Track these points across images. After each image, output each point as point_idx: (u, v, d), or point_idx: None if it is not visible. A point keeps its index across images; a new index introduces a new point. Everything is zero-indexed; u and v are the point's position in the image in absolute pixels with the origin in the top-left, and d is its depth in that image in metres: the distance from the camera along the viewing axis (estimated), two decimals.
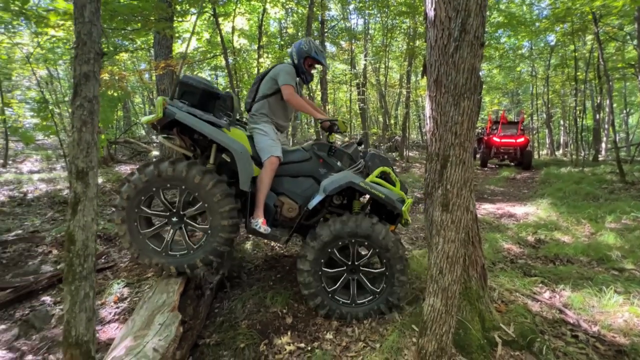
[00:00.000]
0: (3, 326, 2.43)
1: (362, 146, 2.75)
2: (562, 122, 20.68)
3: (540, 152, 20.31)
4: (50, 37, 6.96)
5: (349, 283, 2.34)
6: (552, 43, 14.72)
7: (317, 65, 2.71)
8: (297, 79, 2.65)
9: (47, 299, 2.72)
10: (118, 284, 2.85)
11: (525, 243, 4.04)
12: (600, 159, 13.47)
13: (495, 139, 11.77)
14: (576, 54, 11.90)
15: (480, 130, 13.79)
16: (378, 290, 2.30)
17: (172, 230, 2.34)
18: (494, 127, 12.91)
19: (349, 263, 2.32)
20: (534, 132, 20.57)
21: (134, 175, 2.26)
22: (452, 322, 1.33)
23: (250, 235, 2.76)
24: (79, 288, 0.86)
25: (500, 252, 3.69)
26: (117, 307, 2.64)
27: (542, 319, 2.30)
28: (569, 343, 2.07)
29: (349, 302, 2.32)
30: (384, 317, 2.31)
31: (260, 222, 2.34)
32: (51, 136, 7.46)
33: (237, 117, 2.76)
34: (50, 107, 5.62)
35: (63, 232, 3.78)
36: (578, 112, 12.86)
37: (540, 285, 2.84)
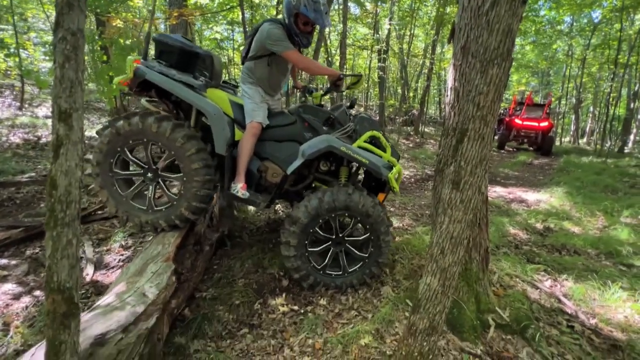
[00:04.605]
0: (14, 262, 2.55)
1: (353, 109, 2.55)
2: (591, 108, 19.55)
3: (563, 139, 19.44)
4: None
5: (337, 255, 2.29)
6: (597, 20, 13.49)
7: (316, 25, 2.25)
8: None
9: None
10: (123, 232, 2.92)
11: (532, 230, 3.94)
12: (626, 151, 12.82)
13: (517, 120, 11.22)
14: (621, 34, 10.92)
15: (502, 111, 13.16)
16: (367, 255, 2.27)
17: (151, 187, 2.29)
18: (518, 108, 12.28)
19: (333, 237, 2.26)
20: (560, 117, 19.57)
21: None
22: (447, 302, 1.30)
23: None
24: (61, 235, 0.83)
25: (506, 236, 3.62)
26: (122, 255, 2.73)
27: (539, 306, 2.26)
28: (563, 332, 2.04)
29: (341, 273, 2.30)
30: (379, 290, 2.32)
31: (239, 187, 2.24)
32: None
33: (223, 78, 2.58)
34: None
35: None
36: (611, 99, 12.06)
37: (543, 273, 2.78)
